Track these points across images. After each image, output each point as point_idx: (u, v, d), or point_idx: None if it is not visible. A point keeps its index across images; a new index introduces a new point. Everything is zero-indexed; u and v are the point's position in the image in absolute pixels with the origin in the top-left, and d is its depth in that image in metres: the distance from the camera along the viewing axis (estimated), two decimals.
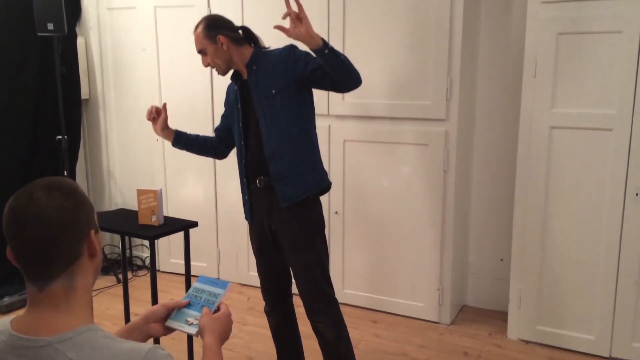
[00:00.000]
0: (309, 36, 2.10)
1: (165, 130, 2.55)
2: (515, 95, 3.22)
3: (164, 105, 2.54)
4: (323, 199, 2.46)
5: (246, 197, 2.47)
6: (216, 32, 2.31)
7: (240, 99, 2.41)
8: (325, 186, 2.43)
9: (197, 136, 2.65)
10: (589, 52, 2.79)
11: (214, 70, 3.97)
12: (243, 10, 3.61)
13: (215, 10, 3.73)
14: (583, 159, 2.87)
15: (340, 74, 2.19)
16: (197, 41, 2.36)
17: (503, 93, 3.37)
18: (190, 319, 1.40)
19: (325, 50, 2.12)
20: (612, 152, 2.80)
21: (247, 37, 2.40)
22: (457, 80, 3.11)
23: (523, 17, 3.01)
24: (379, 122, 3.34)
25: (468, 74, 3.27)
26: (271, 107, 2.31)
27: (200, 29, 2.34)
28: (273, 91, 2.30)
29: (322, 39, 2.13)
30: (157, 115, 2.52)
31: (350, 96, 3.36)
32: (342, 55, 2.19)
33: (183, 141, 2.61)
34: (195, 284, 1.51)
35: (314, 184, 2.38)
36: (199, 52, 2.38)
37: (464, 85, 3.18)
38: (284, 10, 2.16)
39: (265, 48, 2.43)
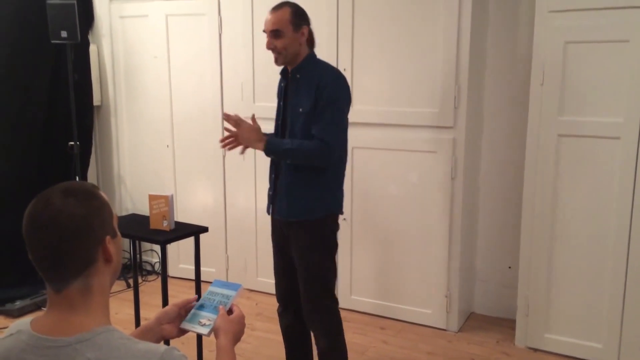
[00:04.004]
0: (252, 147, 2.31)
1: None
2: (522, 103, 3.23)
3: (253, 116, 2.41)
4: None
5: (271, 192, 2.49)
6: (303, 22, 2.30)
7: (283, 97, 2.43)
8: (319, 217, 2.37)
9: None
10: (597, 61, 2.81)
11: (223, 76, 4.01)
12: (253, 19, 3.65)
13: (226, 19, 3.78)
14: (591, 167, 2.88)
15: (302, 162, 2.33)
16: (277, 21, 2.26)
17: (511, 101, 3.38)
18: (204, 320, 1.43)
19: (269, 154, 2.31)
20: (620, 160, 2.80)
21: (311, 38, 2.38)
22: (464, 88, 3.13)
23: (531, 26, 3.04)
24: (387, 129, 3.36)
25: (476, 82, 3.29)
26: (295, 122, 2.33)
27: (286, 10, 2.28)
28: (300, 109, 2.31)
29: (264, 146, 2.27)
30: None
31: (359, 103, 3.39)
32: (291, 151, 2.28)
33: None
34: (210, 287, 1.54)
35: (303, 211, 2.36)
36: (272, 31, 2.27)
37: (471, 93, 3.20)
38: None
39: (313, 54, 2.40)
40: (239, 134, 2.31)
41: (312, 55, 2.38)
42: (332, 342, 2.45)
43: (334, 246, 2.46)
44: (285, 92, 2.42)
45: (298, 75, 2.35)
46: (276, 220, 2.50)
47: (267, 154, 2.35)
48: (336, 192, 2.44)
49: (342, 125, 2.33)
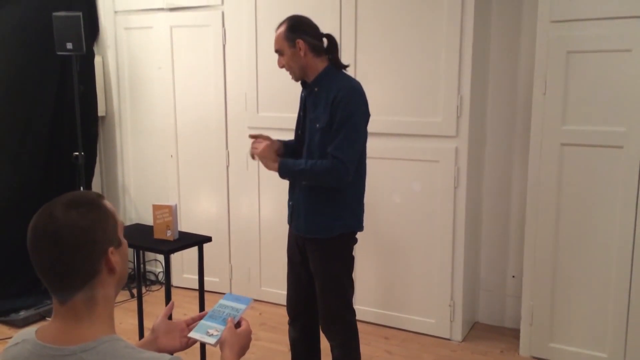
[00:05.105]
0: (266, 166, 2.33)
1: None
2: (525, 112, 3.25)
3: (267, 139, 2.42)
4: None
5: (290, 203, 2.47)
6: (297, 36, 2.24)
7: (303, 108, 2.42)
8: (337, 234, 2.35)
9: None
10: (599, 70, 2.82)
11: (227, 87, 4.03)
12: (257, 31, 3.68)
13: (229, 30, 3.81)
14: (594, 176, 2.89)
15: (316, 183, 2.32)
16: (276, 41, 2.29)
17: (513, 110, 3.39)
18: (212, 330, 1.44)
19: (283, 176, 2.32)
20: (623, 169, 2.81)
21: (330, 48, 2.33)
22: (467, 97, 3.15)
23: (533, 35, 3.05)
24: (390, 138, 3.38)
25: (478, 91, 3.31)
26: (313, 138, 2.32)
27: (282, 29, 2.28)
28: (317, 125, 2.29)
29: (278, 168, 2.29)
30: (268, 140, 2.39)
31: None
32: (304, 172, 2.27)
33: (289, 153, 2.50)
34: (221, 300, 1.55)
35: (321, 229, 2.34)
36: (276, 51, 2.31)
37: (474, 102, 3.22)
38: None
39: (343, 67, 2.37)
40: (257, 148, 2.33)
41: (330, 67, 2.32)
42: (346, 353, 2.45)
43: (351, 260, 2.45)
44: (305, 104, 2.41)
45: (316, 89, 2.32)
46: (293, 234, 2.49)
47: (282, 176, 2.33)
48: (356, 209, 2.40)
49: (357, 143, 2.30)
